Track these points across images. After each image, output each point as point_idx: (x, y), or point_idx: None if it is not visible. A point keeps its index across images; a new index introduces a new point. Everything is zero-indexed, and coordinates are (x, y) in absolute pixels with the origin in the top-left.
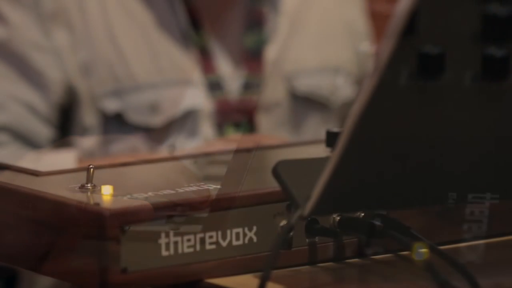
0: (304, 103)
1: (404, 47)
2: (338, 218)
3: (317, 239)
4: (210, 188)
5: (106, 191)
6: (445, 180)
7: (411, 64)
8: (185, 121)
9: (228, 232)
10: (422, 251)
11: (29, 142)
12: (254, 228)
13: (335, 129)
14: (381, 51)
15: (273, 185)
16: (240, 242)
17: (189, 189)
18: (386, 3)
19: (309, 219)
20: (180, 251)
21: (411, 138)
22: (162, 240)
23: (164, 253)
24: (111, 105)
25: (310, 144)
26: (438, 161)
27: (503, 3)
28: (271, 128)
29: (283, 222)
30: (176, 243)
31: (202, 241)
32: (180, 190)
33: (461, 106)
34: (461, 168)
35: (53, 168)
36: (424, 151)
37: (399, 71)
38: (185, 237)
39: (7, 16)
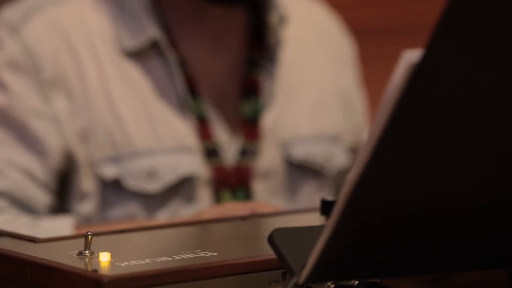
0: (300, 170)
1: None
2: (333, 286)
3: None
4: (207, 255)
5: (104, 258)
6: (441, 248)
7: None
8: (182, 187)
9: None
10: None
11: (26, 208)
12: None
13: (329, 198)
14: (376, 121)
15: (268, 253)
16: None
17: (186, 256)
18: (381, 71)
19: (304, 286)
20: None
21: (406, 208)
22: None
23: None
24: (109, 171)
25: (305, 212)
26: (433, 228)
27: None
28: (267, 195)
29: None
30: None
31: None
32: (177, 257)
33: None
34: (455, 235)
35: (50, 234)
36: (418, 218)
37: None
38: None
39: (7, 84)
